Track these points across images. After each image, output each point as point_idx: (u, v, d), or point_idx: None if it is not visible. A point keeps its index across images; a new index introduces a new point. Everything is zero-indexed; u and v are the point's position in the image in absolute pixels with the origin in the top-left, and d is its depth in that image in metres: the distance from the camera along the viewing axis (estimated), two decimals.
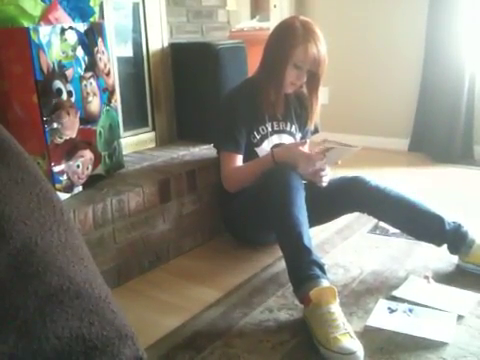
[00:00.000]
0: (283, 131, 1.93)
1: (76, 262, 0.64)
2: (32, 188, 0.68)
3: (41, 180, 0.71)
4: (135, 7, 2.23)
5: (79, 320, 0.59)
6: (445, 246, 1.71)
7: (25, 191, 0.67)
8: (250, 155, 1.87)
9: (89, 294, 0.62)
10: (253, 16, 3.80)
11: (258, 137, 1.88)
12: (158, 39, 2.30)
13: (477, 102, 3.10)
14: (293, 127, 1.96)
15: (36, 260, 0.60)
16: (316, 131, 2.09)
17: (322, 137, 1.80)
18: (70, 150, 1.64)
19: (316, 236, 1.95)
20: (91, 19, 1.77)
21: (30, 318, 0.55)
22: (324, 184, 1.73)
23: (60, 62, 1.57)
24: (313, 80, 1.84)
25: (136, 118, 2.30)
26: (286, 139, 1.94)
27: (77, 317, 0.59)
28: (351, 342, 1.26)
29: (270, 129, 1.90)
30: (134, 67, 2.27)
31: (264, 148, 1.88)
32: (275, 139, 1.91)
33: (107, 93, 1.82)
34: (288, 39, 1.75)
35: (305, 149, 1.74)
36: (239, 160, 1.84)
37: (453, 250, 1.71)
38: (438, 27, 3.09)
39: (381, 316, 1.45)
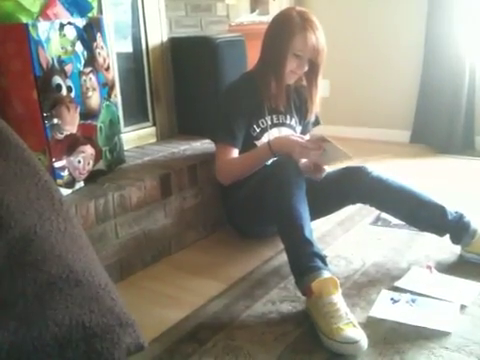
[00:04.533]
0: (283, 124, 1.93)
1: (75, 251, 0.65)
2: (31, 178, 0.68)
3: (39, 171, 0.71)
4: (134, 2, 2.22)
5: (79, 308, 0.59)
6: (447, 236, 1.71)
7: (24, 181, 0.67)
8: (249, 148, 1.86)
9: (89, 282, 0.62)
10: (252, 10, 3.79)
11: (258, 130, 1.88)
12: (157, 33, 2.29)
13: (478, 93, 3.09)
14: (293, 120, 1.96)
15: (35, 249, 0.61)
16: (317, 123, 2.09)
17: (322, 131, 1.80)
18: (71, 145, 1.64)
19: (318, 228, 1.95)
20: (90, 14, 1.77)
21: (30, 306, 0.55)
22: (319, 178, 1.73)
23: (59, 58, 1.57)
24: (313, 70, 1.83)
25: (136, 113, 2.30)
26: (286, 132, 1.93)
27: (77, 305, 0.59)
28: (354, 331, 1.26)
29: (270, 122, 1.90)
30: (134, 62, 2.27)
31: (264, 141, 1.88)
32: (275, 132, 1.90)
33: (107, 88, 1.82)
34: (286, 29, 1.75)
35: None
36: (234, 154, 1.83)
37: (455, 240, 1.71)
38: (438, 19, 3.08)
39: (384, 307, 1.45)
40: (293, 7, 1.86)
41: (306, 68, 1.81)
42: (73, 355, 0.58)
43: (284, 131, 1.93)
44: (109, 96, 1.84)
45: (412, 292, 1.52)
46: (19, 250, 0.60)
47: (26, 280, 0.57)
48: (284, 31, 1.75)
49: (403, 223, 1.85)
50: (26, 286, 0.57)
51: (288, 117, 1.94)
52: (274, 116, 1.91)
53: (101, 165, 1.80)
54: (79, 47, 1.67)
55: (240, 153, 1.85)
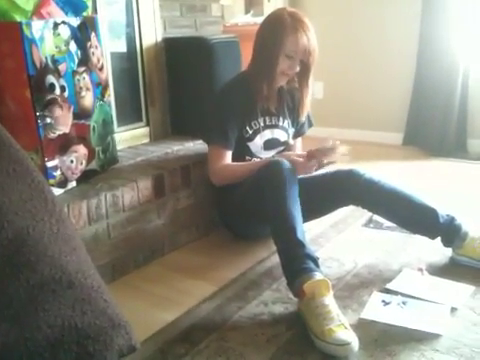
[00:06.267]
0: (275, 126, 1.93)
1: (68, 252, 0.64)
2: (24, 179, 0.68)
3: (33, 171, 0.71)
4: (128, 1, 2.21)
5: (71, 309, 0.59)
6: (439, 239, 1.72)
7: (17, 182, 0.67)
8: (242, 149, 1.87)
9: (81, 284, 0.62)
10: (247, 11, 3.79)
11: (250, 132, 1.88)
12: (152, 33, 2.29)
13: (470, 96, 3.11)
14: (286, 122, 1.96)
15: (28, 250, 0.60)
16: (310, 125, 2.10)
17: (315, 133, 1.82)
18: (64, 145, 1.63)
19: (310, 230, 1.96)
20: (84, 13, 1.76)
21: (22, 307, 0.55)
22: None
23: (53, 57, 1.57)
24: (304, 70, 1.84)
25: (130, 113, 2.29)
26: (278, 134, 1.94)
27: (69, 306, 0.59)
28: (346, 333, 1.26)
29: (262, 124, 1.90)
30: (128, 62, 2.26)
31: (256, 143, 1.89)
32: (267, 134, 1.91)
33: (100, 88, 1.82)
34: (278, 30, 1.75)
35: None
36: (228, 156, 1.84)
37: (447, 243, 1.72)
38: (432, 22, 3.10)
39: (375, 309, 1.46)
40: (284, 8, 1.87)
41: (298, 69, 1.81)
42: (65, 357, 0.58)
43: (277, 133, 1.94)
44: (103, 96, 1.84)
45: (403, 294, 1.52)
46: (12, 251, 0.59)
47: (19, 281, 0.57)
48: (276, 32, 1.76)
49: (395, 225, 1.86)
50: (19, 287, 0.57)
51: (280, 119, 1.95)
52: (267, 118, 1.91)
53: (94, 165, 1.79)
54: (73, 46, 1.66)
55: (233, 154, 1.86)
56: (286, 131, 1.97)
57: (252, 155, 1.90)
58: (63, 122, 1.61)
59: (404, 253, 1.81)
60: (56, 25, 1.59)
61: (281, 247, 1.53)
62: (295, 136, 2.05)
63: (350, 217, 2.15)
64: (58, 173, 1.62)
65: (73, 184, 1.69)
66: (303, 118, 1.99)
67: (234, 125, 1.84)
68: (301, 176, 1.75)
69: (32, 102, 1.50)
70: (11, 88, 1.53)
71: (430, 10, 3.09)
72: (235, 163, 1.85)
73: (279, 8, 1.96)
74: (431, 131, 3.16)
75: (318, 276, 1.41)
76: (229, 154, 1.84)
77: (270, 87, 1.83)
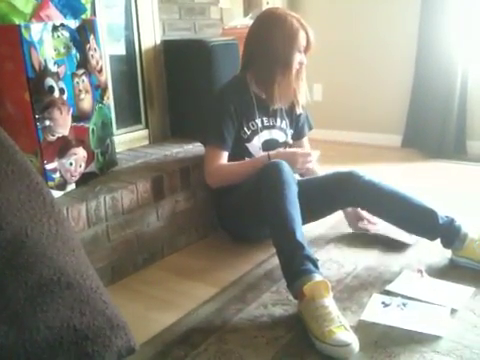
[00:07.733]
0: (273, 127, 1.94)
1: (67, 253, 0.64)
2: (22, 180, 0.68)
3: (31, 172, 0.71)
4: (127, 4, 2.22)
5: (70, 310, 0.58)
6: (438, 240, 1.72)
7: (15, 183, 0.66)
8: (240, 150, 1.87)
9: (80, 285, 0.62)
10: (246, 14, 3.80)
11: (248, 133, 1.88)
12: (150, 36, 2.29)
13: (469, 98, 3.12)
14: (283, 122, 1.97)
15: (27, 251, 0.60)
16: (310, 128, 2.10)
17: (314, 135, 1.83)
18: (63, 148, 1.63)
19: (310, 231, 1.96)
20: (83, 16, 1.77)
21: (21, 308, 0.55)
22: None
23: (52, 59, 1.57)
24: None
25: (129, 115, 2.30)
26: (276, 135, 1.94)
27: (68, 307, 0.58)
28: (346, 334, 1.26)
29: (260, 125, 1.90)
30: (127, 64, 2.27)
31: (254, 144, 1.89)
32: (265, 135, 1.91)
33: (99, 90, 1.82)
34: (288, 28, 1.80)
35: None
36: (224, 157, 1.84)
37: (446, 244, 1.72)
38: (431, 23, 3.10)
39: (375, 310, 1.46)
40: (276, 7, 1.92)
41: (306, 61, 1.86)
42: (64, 358, 0.58)
43: (274, 133, 1.94)
44: (102, 98, 1.84)
45: (403, 296, 1.52)
46: (10, 252, 0.59)
47: (17, 282, 0.57)
48: (287, 30, 1.80)
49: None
50: (17, 288, 0.57)
51: (278, 120, 1.95)
52: (265, 118, 1.92)
53: (93, 167, 1.79)
54: (72, 49, 1.66)
55: (230, 155, 1.86)
56: (284, 132, 1.97)
57: (251, 156, 1.90)
58: (62, 124, 1.61)
59: (404, 255, 1.81)
60: (55, 28, 1.59)
61: (280, 249, 1.53)
62: (295, 138, 2.04)
63: None
64: (57, 176, 1.62)
65: (72, 187, 1.69)
66: (300, 110, 1.98)
67: (230, 126, 1.84)
68: (300, 178, 1.75)
69: (31, 104, 1.50)
70: (10, 90, 1.53)
71: (429, 12, 3.10)
72: (231, 162, 1.85)
73: (270, 8, 1.99)
74: (430, 133, 3.16)
75: (318, 277, 1.40)
76: (225, 155, 1.84)
77: (287, 81, 1.84)
